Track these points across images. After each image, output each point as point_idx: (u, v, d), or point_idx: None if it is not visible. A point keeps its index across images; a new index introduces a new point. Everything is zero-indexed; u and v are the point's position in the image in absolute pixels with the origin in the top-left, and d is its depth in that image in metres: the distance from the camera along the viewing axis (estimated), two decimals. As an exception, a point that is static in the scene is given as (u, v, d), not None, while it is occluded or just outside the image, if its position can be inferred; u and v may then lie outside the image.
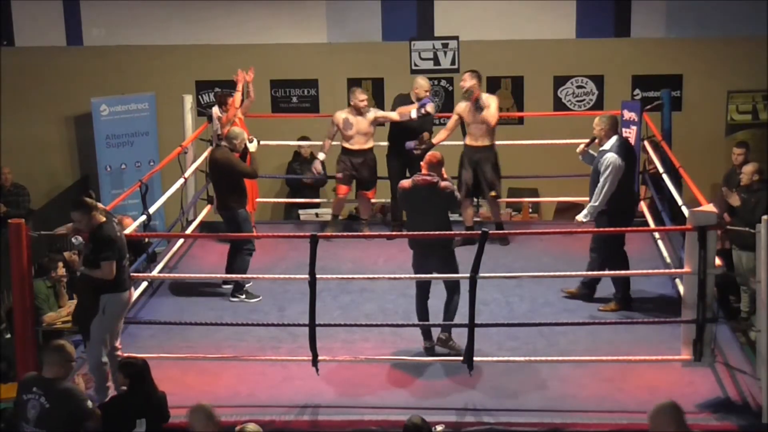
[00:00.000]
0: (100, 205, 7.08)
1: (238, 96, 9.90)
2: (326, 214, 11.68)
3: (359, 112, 9.99)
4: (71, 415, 5.88)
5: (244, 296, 8.74)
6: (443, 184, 7.50)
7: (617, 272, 8.19)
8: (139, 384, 6.26)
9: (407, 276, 8.26)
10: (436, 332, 7.63)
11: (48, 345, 6.18)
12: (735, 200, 9.39)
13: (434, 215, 7.54)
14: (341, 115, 10.09)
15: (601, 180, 8.09)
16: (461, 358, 6.92)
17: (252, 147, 8.92)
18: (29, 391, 5.93)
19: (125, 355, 6.95)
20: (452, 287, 7.55)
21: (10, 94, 12.72)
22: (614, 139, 8.23)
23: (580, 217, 8.19)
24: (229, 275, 8.69)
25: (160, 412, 6.31)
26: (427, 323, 7.60)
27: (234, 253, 8.79)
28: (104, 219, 6.93)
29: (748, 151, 10.29)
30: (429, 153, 7.87)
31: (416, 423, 5.93)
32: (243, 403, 6.90)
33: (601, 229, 8.12)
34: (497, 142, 9.81)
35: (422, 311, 7.64)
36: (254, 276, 8.70)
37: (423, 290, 7.66)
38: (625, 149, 8.25)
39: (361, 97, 10.01)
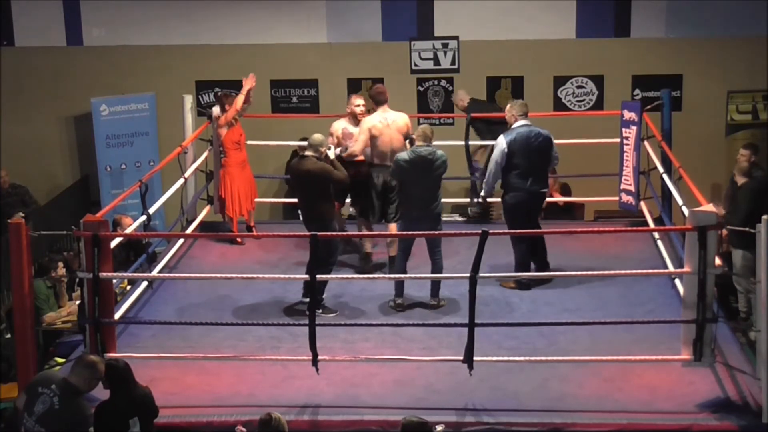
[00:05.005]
0: None
1: (240, 98, 9.82)
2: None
3: (357, 120, 9.17)
4: (74, 426, 5.87)
5: (321, 311, 8.15)
6: (439, 152, 8.31)
7: (618, 272, 8.20)
8: (122, 385, 6.25)
9: (407, 276, 8.29)
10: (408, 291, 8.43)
11: (83, 357, 6.15)
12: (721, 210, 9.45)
13: (429, 183, 8.29)
14: (339, 125, 9.33)
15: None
16: (461, 358, 6.91)
17: (332, 154, 8.46)
18: (47, 386, 5.92)
19: (107, 356, 6.88)
20: (434, 246, 8.36)
21: (10, 94, 12.73)
22: (516, 124, 8.63)
23: (482, 193, 8.92)
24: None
25: (149, 409, 6.30)
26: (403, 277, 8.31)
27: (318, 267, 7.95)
28: None
29: (754, 154, 10.23)
30: (422, 126, 8.48)
31: (417, 422, 5.93)
32: (243, 403, 6.89)
33: (603, 229, 8.09)
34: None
35: (402, 270, 8.40)
36: (254, 276, 8.69)
37: (406, 253, 8.44)
38: (520, 137, 8.55)
39: (356, 102, 9.28)
